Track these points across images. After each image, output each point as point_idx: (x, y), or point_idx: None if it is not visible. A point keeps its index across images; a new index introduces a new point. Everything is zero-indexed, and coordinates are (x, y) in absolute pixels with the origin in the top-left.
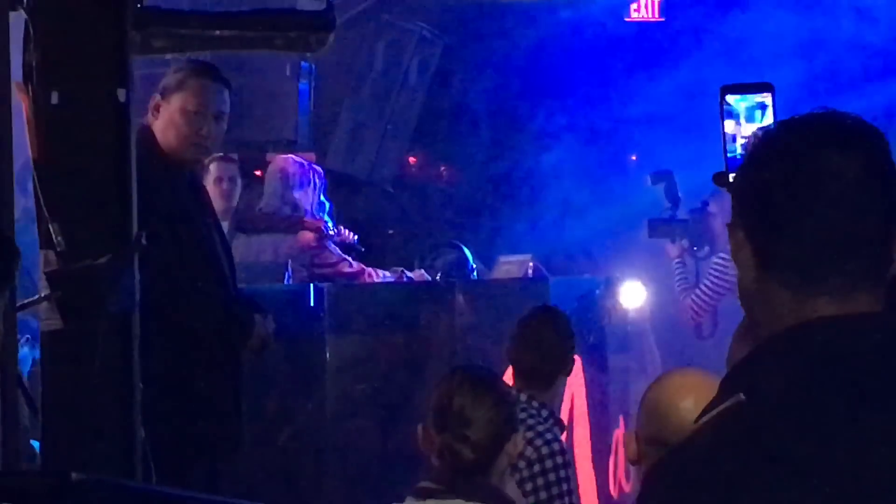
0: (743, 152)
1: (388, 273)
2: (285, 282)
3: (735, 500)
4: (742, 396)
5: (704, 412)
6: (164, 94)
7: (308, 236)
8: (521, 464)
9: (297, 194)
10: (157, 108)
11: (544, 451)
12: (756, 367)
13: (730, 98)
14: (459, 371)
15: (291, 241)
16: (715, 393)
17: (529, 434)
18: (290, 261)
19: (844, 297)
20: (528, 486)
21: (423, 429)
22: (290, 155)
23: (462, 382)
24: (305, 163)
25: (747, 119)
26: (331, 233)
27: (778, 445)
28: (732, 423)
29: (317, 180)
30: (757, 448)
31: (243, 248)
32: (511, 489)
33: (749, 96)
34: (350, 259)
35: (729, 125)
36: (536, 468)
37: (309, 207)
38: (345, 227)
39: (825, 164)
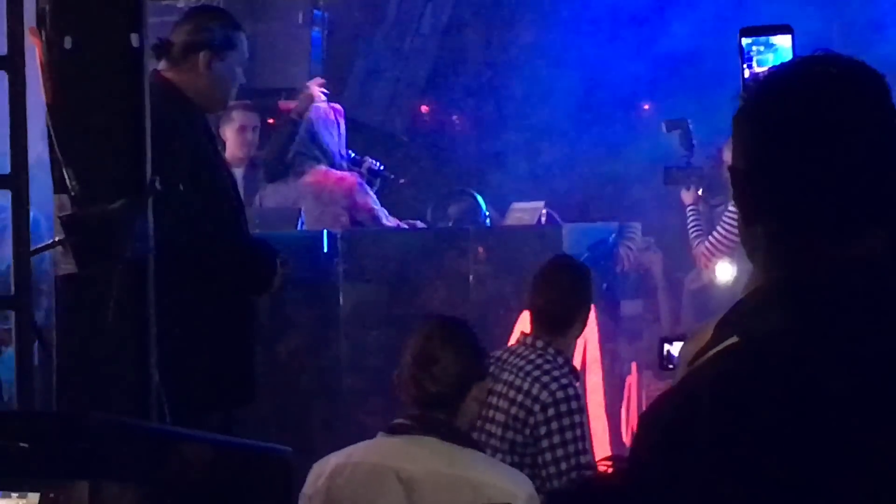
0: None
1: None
2: (298, 227)
3: (730, 440)
4: (735, 338)
5: (699, 355)
6: (217, 50)
7: (351, 180)
8: (536, 407)
9: (325, 139)
10: (209, 64)
11: (559, 395)
12: (750, 310)
13: (748, 41)
14: (432, 321)
15: (333, 185)
16: None
17: (545, 378)
18: (311, 207)
19: (846, 240)
20: (542, 430)
21: (397, 375)
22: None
23: (433, 328)
24: (330, 108)
25: (766, 61)
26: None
27: (770, 384)
28: (725, 364)
29: (342, 125)
30: (749, 387)
31: (281, 195)
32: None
33: (768, 38)
34: (386, 212)
35: (749, 67)
36: (551, 412)
37: (336, 151)
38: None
39: (824, 106)
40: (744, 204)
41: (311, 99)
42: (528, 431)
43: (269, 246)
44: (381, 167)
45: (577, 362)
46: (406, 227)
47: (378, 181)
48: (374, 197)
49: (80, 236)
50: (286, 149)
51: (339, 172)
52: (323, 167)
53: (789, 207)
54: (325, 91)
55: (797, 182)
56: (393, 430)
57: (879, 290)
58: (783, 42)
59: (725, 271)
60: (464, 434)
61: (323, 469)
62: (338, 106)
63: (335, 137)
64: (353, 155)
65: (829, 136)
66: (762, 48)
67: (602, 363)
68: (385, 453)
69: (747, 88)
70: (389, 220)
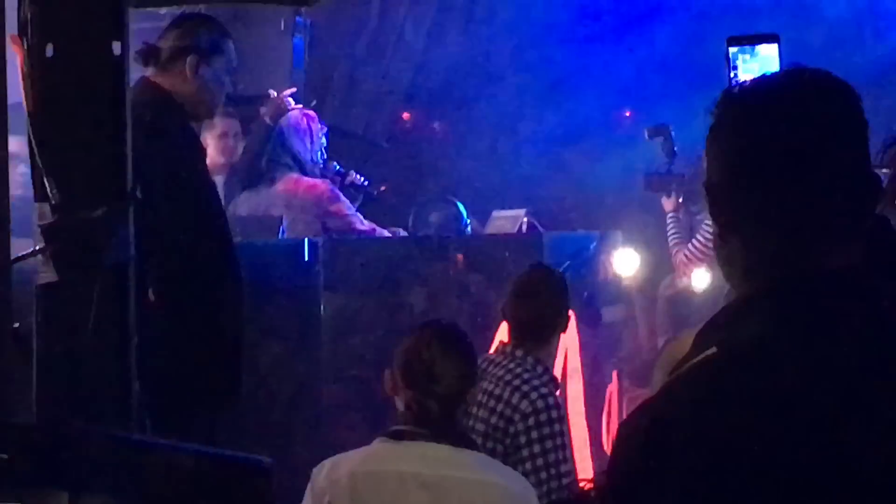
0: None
1: (386, 233)
2: (279, 236)
3: (708, 449)
4: (714, 349)
5: (678, 365)
6: (205, 55)
7: (322, 187)
8: (516, 417)
9: (297, 146)
10: (195, 68)
11: (539, 404)
12: (729, 321)
13: (735, 49)
14: (429, 328)
15: (304, 193)
16: None
17: (525, 388)
18: (283, 215)
19: (821, 252)
20: (523, 440)
21: (391, 374)
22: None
23: (431, 339)
24: (303, 115)
25: (755, 70)
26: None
27: (748, 394)
28: (704, 374)
29: (315, 131)
30: (728, 396)
31: (252, 203)
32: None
33: (755, 47)
34: (361, 217)
35: (735, 76)
36: (531, 421)
37: (309, 158)
38: (354, 171)
39: (797, 121)
40: (719, 218)
41: (280, 106)
42: (508, 441)
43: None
44: (366, 182)
45: (557, 371)
46: (388, 233)
47: (361, 196)
48: (348, 203)
49: (61, 244)
50: (259, 155)
51: (309, 180)
52: (294, 174)
53: (764, 221)
54: (294, 98)
55: (772, 196)
56: (397, 436)
57: (854, 300)
58: (770, 51)
59: (702, 279)
60: (466, 437)
61: (337, 475)
62: (311, 112)
63: (307, 144)
64: (337, 167)
65: (802, 149)
66: (748, 57)
67: (583, 371)
68: (401, 459)
69: (721, 103)
70: (365, 225)
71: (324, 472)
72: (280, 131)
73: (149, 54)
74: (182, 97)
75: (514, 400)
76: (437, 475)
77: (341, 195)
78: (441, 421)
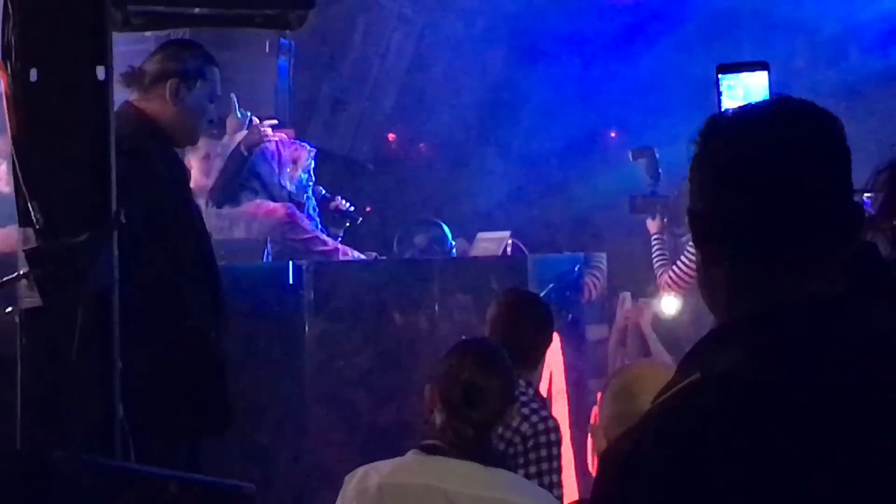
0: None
1: (361, 256)
2: (264, 259)
3: (691, 477)
4: (697, 376)
5: (661, 393)
6: (187, 79)
7: (280, 211)
8: (517, 439)
9: (263, 171)
10: (176, 92)
11: (540, 427)
12: (711, 347)
13: (724, 76)
14: (468, 348)
15: (263, 216)
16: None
17: (525, 410)
18: (269, 238)
19: (804, 278)
20: (521, 461)
21: (430, 389)
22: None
23: (470, 360)
24: (273, 140)
25: (744, 97)
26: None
27: (731, 420)
28: (687, 402)
29: (284, 155)
30: (711, 422)
31: (216, 223)
32: None
33: (744, 74)
34: (322, 236)
35: (726, 103)
36: (531, 443)
37: (276, 182)
38: (340, 197)
39: (779, 149)
40: (702, 245)
41: (260, 136)
42: (507, 462)
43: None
44: (352, 208)
45: (542, 392)
46: (356, 254)
47: (347, 222)
48: (307, 224)
49: (45, 269)
50: (232, 181)
51: (270, 204)
52: (258, 199)
53: (746, 248)
54: (278, 120)
55: (754, 224)
56: (429, 450)
57: (837, 326)
58: (759, 79)
59: (670, 305)
60: (497, 456)
61: (366, 484)
62: (285, 138)
63: (275, 168)
64: (323, 192)
65: (784, 178)
66: (738, 84)
67: (567, 393)
68: (430, 474)
69: (704, 132)
70: (328, 244)
71: (354, 481)
72: (249, 155)
73: (132, 78)
74: (164, 122)
75: (515, 422)
76: (465, 493)
77: (300, 218)
78: (475, 441)
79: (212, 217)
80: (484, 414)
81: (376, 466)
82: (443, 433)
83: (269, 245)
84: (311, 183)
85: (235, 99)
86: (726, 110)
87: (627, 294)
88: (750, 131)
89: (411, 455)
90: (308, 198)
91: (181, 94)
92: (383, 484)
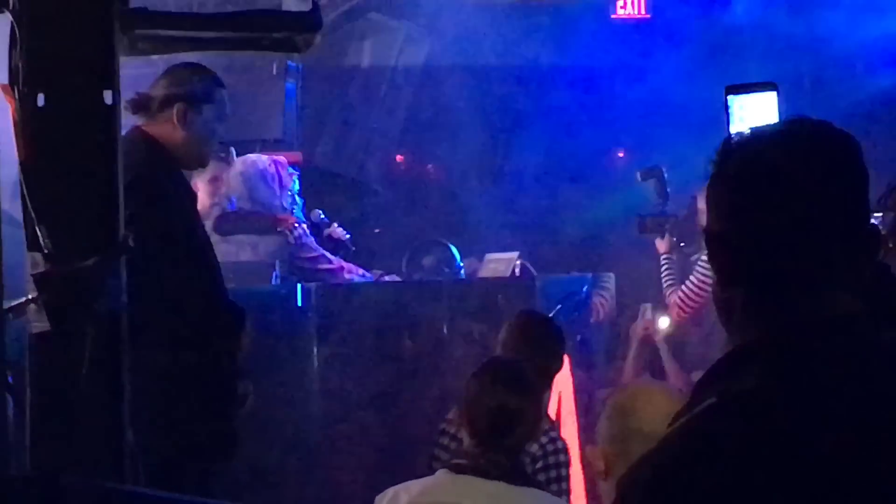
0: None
1: (367, 273)
2: (272, 282)
3: (711, 500)
4: (714, 399)
5: (677, 417)
6: (194, 103)
7: (288, 234)
8: (527, 460)
9: (263, 193)
10: (184, 117)
11: (549, 448)
12: (728, 370)
13: (733, 97)
14: (500, 370)
15: (269, 238)
16: (673, 399)
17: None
18: (277, 261)
19: (821, 300)
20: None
21: (457, 412)
22: (252, 155)
23: (508, 378)
24: (272, 161)
25: (753, 118)
26: (304, 227)
27: (749, 443)
28: (705, 425)
29: (285, 178)
30: (728, 446)
31: (224, 247)
32: None
33: (753, 95)
34: (327, 255)
35: (734, 124)
36: (539, 464)
37: (278, 204)
38: (337, 224)
39: (797, 170)
40: (720, 267)
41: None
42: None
43: (238, 307)
44: (348, 236)
45: (551, 414)
46: (361, 271)
47: (341, 252)
48: (312, 243)
49: (53, 294)
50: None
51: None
52: None
53: (764, 270)
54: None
55: (772, 245)
56: (458, 470)
57: (854, 349)
58: (768, 99)
59: (663, 323)
60: (526, 474)
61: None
62: (281, 159)
63: (276, 191)
64: (322, 216)
65: (802, 199)
66: (747, 105)
67: (577, 414)
68: (461, 493)
69: (721, 153)
70: (333, 263)
71: (385, 502)
72: (247, 179)
73: (139, 104)
74: (172, 145)
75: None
76: None
77: (306, 238)
78: (506, 458)
79: (218, 240)
80: (516, 439)
81: (406, 486)
82: (474, 457)
83: (277, 267)
84: (295, 206)
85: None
86: (743, 131)
87: (648, 305)
88: (767, 153)
89: (441, 475)
90: (300, 220)
91: (189, 119)
92: (411, 502)
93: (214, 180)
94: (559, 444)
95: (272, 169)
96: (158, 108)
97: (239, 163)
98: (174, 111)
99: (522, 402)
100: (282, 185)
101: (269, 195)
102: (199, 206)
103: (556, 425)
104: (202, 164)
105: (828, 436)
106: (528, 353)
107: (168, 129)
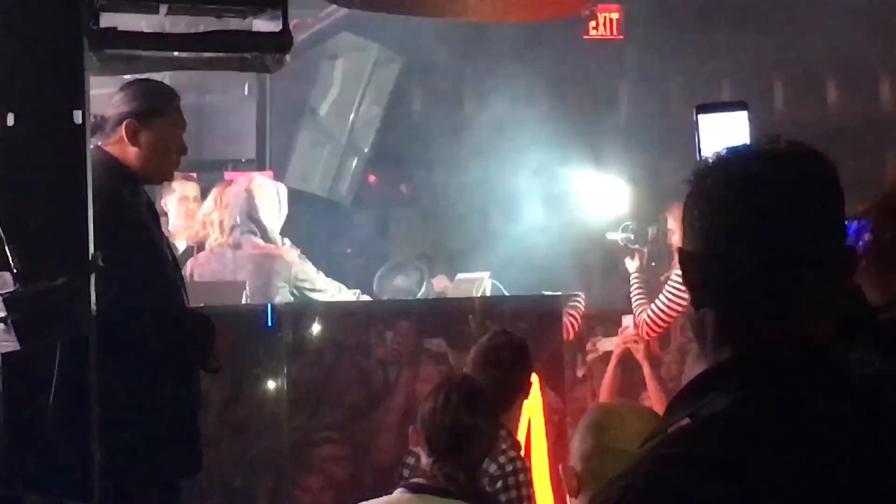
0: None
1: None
2: (242, 301)
3: None
4: (686, 420)
5: (650, 437)
6: (142, 119)
7: (276, 253)
8: (485, 480)
9: (262, 214)
10: (134, 134)
11: (508, 468)
12: (700, 391)
13: (704, 116)
14: (453, 388)
15: (261, 259)
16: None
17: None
18: (247, 281)
19: (793, 323)
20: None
21: (414, 431)
22: (253, 172)
23: (462, 396)
24: (269, 181)
25: (723, 137)
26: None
27: (722, 467)
28: (678, 447)
29: (283, 203)
30: (702, 470)
31: (219, 268)
32: None
33: (724, 114)
34: (322, 275)
35: (704, 144)
36: (499, 485)
37: (274, 228)
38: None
39: (771, 192)
40: (693, 287)
41: None
42: (496, 500)
43: (205, 319)
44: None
45: (521, 436)
46: (351, 293)
47: None
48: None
49: (22, 313)
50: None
51: (268, 246)
52: (257, 240)
53: (737, 290)
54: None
55: (745, 266)
56: (417, 488)
57: (825, 373)
58: (739, 119)
59: (608, 343)
60: (486, 493)
61: None
62: (280, 184)
63: (277, 212)
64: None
65: (776, 220)
66: (718, 124)
67: (548, 434)
68: None
69: (696, 173)
70: (332, 284)
71: None
72: (251, 197)
73: (94, 125)
74: (129, 163)
75: (484, 464)
76: None
77: (306, 259)
78: (463, 476)
79: (213, 262)
80: (473, 457)
81: None
82: (432, 476)
83: (246, 288)
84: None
85: None
86: (718, 151)
87: (630, 316)
88: (742, 173)
89: (399, 493)
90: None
91: (140, 134)
92: None
93: (184, 200)
94: (518, 464)
95: (274, 191)
96: (112, 128)
97: (243, 180)
98: (123, 129)
99: (478, 420)
100: (281, 208)
101: (269, 218)
102: (173, 228)
103: (518, 445)
104: (165, 178)
105: (797, 461)
106: (496, 372)
107: (122, 147)
